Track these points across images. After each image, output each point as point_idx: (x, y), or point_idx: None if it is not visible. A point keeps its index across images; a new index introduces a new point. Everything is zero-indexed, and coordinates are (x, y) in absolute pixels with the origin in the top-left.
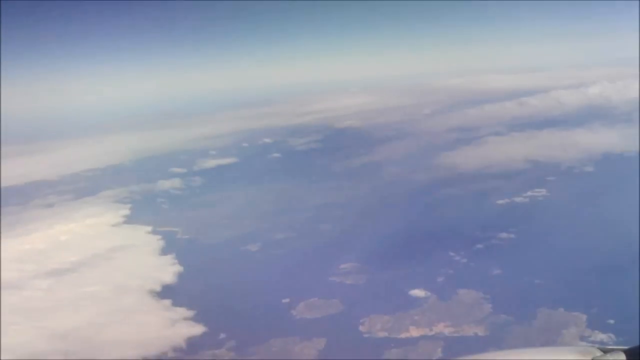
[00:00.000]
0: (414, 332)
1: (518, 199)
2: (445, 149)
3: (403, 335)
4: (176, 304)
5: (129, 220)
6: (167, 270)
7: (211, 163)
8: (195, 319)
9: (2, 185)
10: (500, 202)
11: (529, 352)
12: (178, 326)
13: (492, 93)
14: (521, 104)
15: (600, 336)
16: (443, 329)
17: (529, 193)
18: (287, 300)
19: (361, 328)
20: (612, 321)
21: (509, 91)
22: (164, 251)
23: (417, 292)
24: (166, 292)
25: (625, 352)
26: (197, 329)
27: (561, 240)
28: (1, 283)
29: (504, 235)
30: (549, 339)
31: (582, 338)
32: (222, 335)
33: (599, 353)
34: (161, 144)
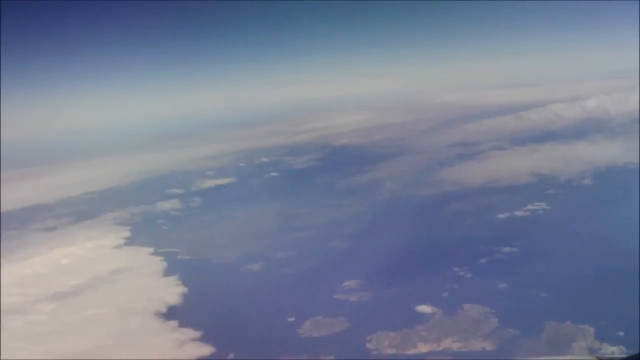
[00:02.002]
0: (422, 348)
1: (519, 213)
2: (447, 164)
3: (411, 351)
4: (183, 325)
5: (130, 242)
6: (172, 292)
7: (209, 183)
8: (203, 340)
9: (2, 209)
10: (501, 216)
11: None
12: (186, 347)
13: (487, 108)
14: (520, 118)
15: (611, 349)
16: (451, 344)
17: (529, 207)
18: (292, 319)
19: (368, 345)
20: (621, 333)
21: (504, 106)
22: (167, 272)
23: (423, 308)
24: (172, 314)
25: None
26: (206, 350)
27: (564, 253)
28: (4, 308)
29: (507, 249)
30: (558, 352)
31: (592, 351)
32: (231, 356)
33: None
34: (157, 166)
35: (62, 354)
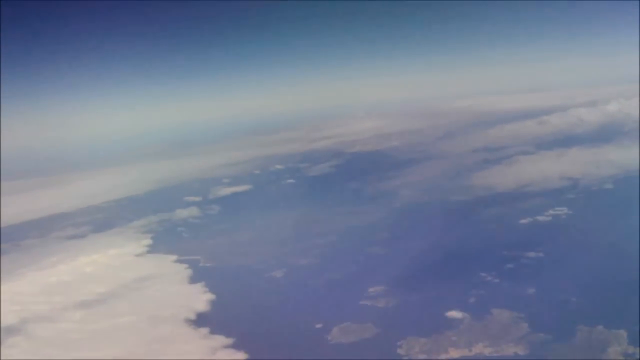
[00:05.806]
0: (454, 353)
1: (541, 218)
2: (474, 169)
3: (443, 357)
4: (214, 332)
5: (152, 250)
6: (199, 299)
7: (226, 191)
8: (235, 347)
9: (21, 219)
10: (523, 221)
11: None
12: (220, 354)
13: (503, 113)
14: (542, 123)
15: None
16: (482, 349)
17: (551, 211)
18: (320, 325)
19: (399, 351)
20: None
21: (521, 111)
22: (192, 279)
23: (453, 314)
24: (201, 321)
25: None
26: (239, 357)
27: (590, 257)
28: (32, 316)
29: (532, 254)
30: (592, 357)
31: (627, 355)
32: None
33: None
34: (173, 174)
35: None
